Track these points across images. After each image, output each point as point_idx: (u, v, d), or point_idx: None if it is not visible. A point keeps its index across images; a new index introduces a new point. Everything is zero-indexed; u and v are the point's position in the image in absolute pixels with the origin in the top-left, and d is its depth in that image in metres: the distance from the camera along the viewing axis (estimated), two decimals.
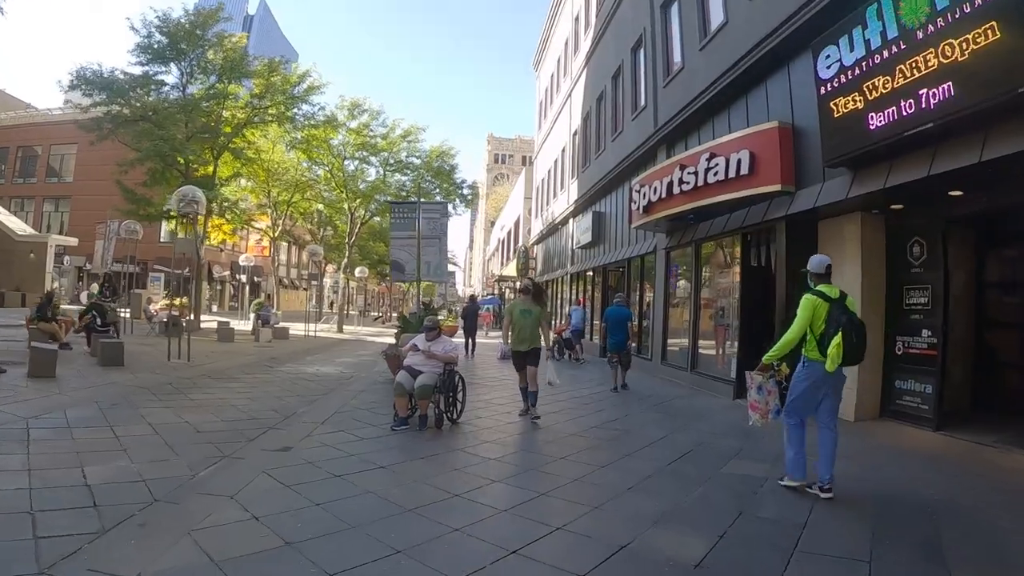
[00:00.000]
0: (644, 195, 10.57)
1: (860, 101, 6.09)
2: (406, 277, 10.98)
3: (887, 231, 7.36)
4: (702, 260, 10.79)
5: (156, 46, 17.23)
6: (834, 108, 6.45)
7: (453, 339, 11.01)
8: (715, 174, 8.52)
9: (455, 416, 6.65)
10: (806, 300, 4.25)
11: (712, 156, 8.62)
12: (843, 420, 7.10)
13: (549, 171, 27.27)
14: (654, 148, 12.48)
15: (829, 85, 6.52)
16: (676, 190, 9.40)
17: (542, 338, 7.07)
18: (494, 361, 14.58)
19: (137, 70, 17.26)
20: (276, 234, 26.83)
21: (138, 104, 17.04)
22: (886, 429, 6.75)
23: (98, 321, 11.37)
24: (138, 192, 18.50)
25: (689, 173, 9.07)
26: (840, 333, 4.02)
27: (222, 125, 18.99)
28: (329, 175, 24.37)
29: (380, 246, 39.32)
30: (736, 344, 9.01)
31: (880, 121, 5.85)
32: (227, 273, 36.02)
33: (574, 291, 21.10)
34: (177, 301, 26.51)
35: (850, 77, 6.20)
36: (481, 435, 6.15)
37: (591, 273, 18.96)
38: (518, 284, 37.01)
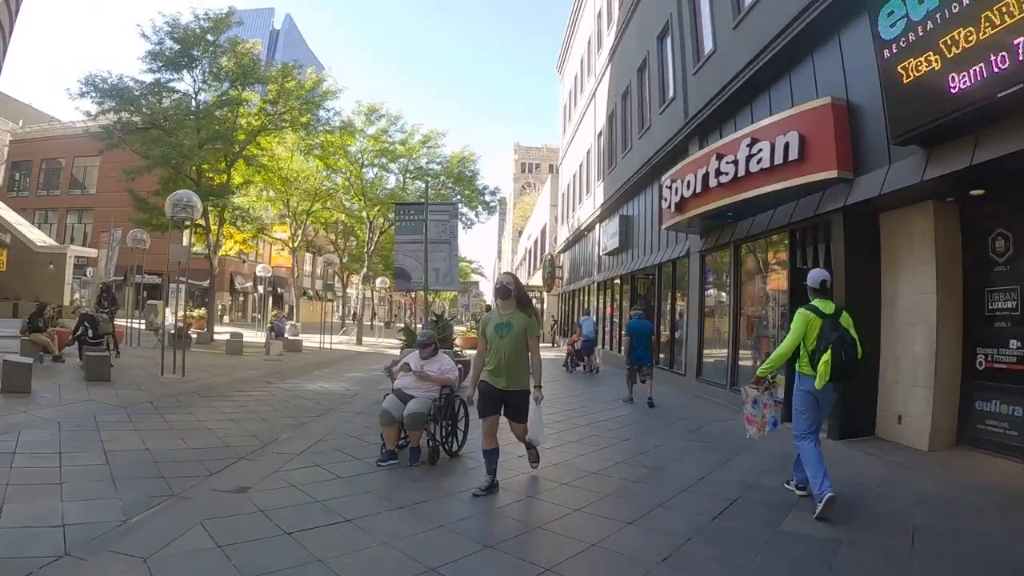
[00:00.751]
0: (676, 191, 9.47)
1: (936, 61, 4.95)
2: (412, 286, 10.00)
3: (963, 223, 6.14)
4: (742, 263, 9.63)
5: (168, 53, 16.90)
6: (902, 73, 5.31)
7: (466, 352, 10.07)
8: (758, 162, 7.40)
9: (455, 448, 5.66)
10: (799, 315, 4.26)
11: (754, 142, 7.50)
12: (915, 450, 5.96)
13: (574, 175, 26.28)
14: (685, 142, 11.38)
15: (894, 47, 5.39)
16: (712, 183, 8.30)
17: (531, 371, 4.61)
18: None
19: (148, 77, 16.96)
20: (296, 244, 26.43)
21: (148, 111, 16.69)
22: (965, 460, 5.51)
23: (89, 333, 10.80)
24: (150, 201, 18.14)
25: (727, 163, 7.97)
26: (829, 350, 3.97)
27: (236, 132, 18.56)
28: (347, 183, 23.79)
29: None
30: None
31: (964, 83, 4.70)
32: (249, 284, 35.94)
33: (601, 301, 19.98)
34: (195, 313, 26.38)
35: (921, 33, 5.07)
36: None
37: (618, 281, 17.85)
38: (544, 294, 36.21)
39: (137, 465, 4.97)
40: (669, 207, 9.76)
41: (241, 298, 35.34)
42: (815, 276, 4.38)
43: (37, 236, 27.25)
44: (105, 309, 12.78)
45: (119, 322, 13.89)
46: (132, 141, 16.59)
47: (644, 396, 9.33)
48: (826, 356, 3.96)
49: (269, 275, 24.19)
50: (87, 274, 33.22)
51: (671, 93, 12.68)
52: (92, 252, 28.68)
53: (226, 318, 33.80)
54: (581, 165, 24.54)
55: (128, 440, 5.82)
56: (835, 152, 6.52)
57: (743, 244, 9.52)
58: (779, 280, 8.57)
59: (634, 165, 15.23)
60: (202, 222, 17.78)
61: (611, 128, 19.11)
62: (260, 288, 27.55)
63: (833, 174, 6.55)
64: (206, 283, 37.84)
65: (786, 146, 6.94)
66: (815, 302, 4.27)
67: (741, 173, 7.70)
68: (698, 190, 8.64)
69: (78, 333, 10.90)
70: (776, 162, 7.12)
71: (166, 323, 16.94)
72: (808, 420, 4.21)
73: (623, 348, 12.34)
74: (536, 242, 42.87)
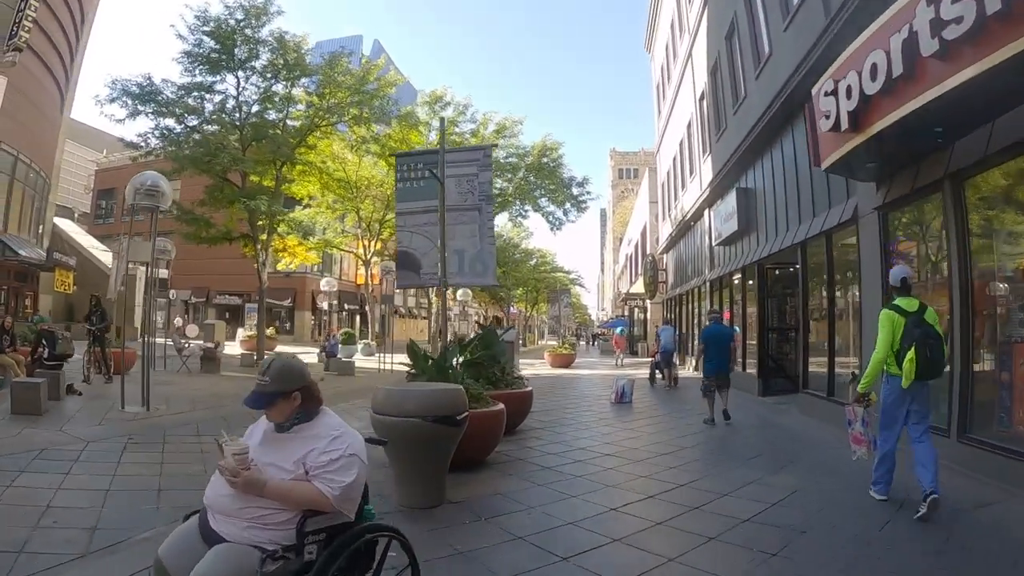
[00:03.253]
0: (847, 94, 5.48)
1: None
2: (423, 280, 6.85)
3: None
4: (968, 211, 5.49)
5: (208, 54, 15.41)
6: None
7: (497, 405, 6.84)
8: None
9: None
10: (883, 315, 4.28)
11: None
12: None
13: (674, 158, 22.17)
14: (834, 43, 7.28)
15: None
16: (928, 48, 4.33)
17: None
18: (603, 407, 10.07)
19: (186, 79, 15.59)
20: (369, 256, 24.53)
21: (182, 112, 15.24)
22: None
23: (46, 353, 8.82)
24: (197, 212, 16.80)
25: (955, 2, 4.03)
26: (914, 348, 4.00)
27: (286, 133, 16.82)
28: None
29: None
30: None
31: None
32: (335, 302, 34.96)
33: (713, 304, 15.76)
34: (249, 333, 25.30)
35: None
36: None
37: (738, 277, 13.64)
38: (647, 302, 31.80)
39: None
40: (835, 125, 5.71)
41: (326, 316, 34.37)
42: (896, 274, 4.45)
43: (110, 259, 27.90)
44: (94, 326, 10.93)
45: (131, 343, 12.01)
46: (171, 151, 15.28)
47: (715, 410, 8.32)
48: (910, 354, 3.99)
49: (334, 289, 22.37)
50: (171, 296, 34.16)
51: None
52: (163, 273, 29.47)
53: (304, 338, 33.05)
54: (681, 143, 20.45)
55: None
56: None
57: (972, 178, 5.41)
58: None
59: (752, 114, 11.21)
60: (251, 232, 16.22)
61: (715, 83, 15.10)
62: (325, 303, 25.89)
63: None
64: (287, 302, 37.95)
65: None
66: (898, 301, 4.30)
67: (990, 14, 3.74)
68: (897, 73, 4.67)
69: (36, 354, 8.98)
70: None
71: (188, 344, 15.42)
72: (891, 421, 4.28)
73: (696, 357, 10.97)
74: (636, 246, 38.60)
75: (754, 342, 12.47)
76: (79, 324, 25.64)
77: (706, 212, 16.66)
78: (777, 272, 11.96)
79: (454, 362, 5.63)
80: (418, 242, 6.68)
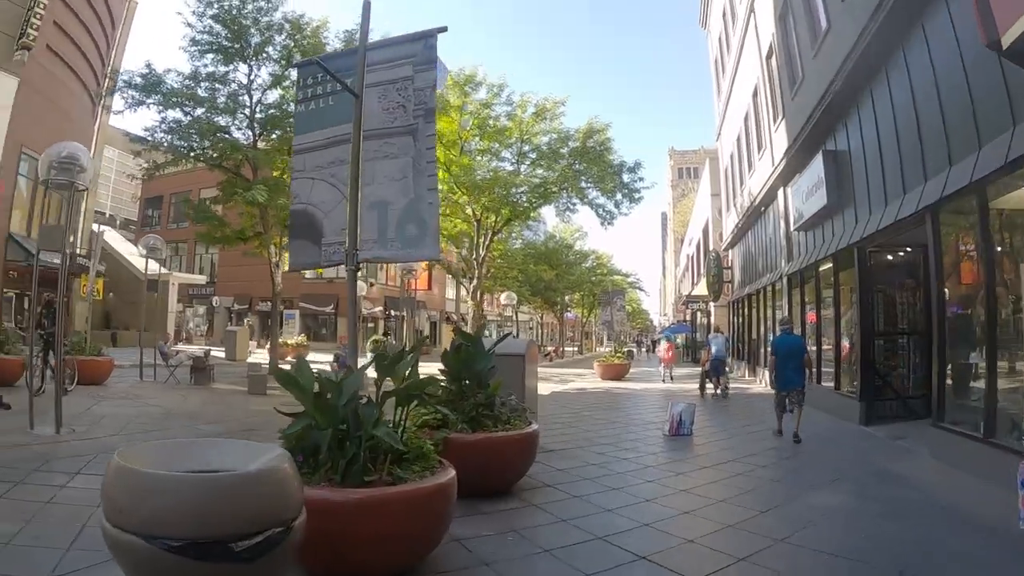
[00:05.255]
0: None
1: None
2: (324, 256, 4.54)
3: None
4: None
5: (218, 41, 14.27)
6: None
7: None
8: None
9: None
10: None
11: None
12: None
13: (738, 137, 19.15)
14: None
15: None
16: None
17: None
18: (653, 441, 7.59)
19: (194, 67, 14.58)
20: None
21: (189, 102, 14.07)
22: None
23: None
24: (211, 210, 15.74)
25: None
26: None
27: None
28: (446, 172, 19.14)
29: (544, 267, 33.62)
30: None
31: None
32: (378, 309, 33.56)
33: (791, 303, 12.79)
34: (302, 339, 24.08)
35: None
36: None
37: (827, 268, 10.70)
38: (710, 305, 28.43)
39: None
40: None
41: (370, 324, 32.94)
42: None
43: (144, 265, 27.71)
44: (44, 331, 9.48)
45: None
46: (180, 146, 14.32)
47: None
48: None
49: (362, 294, 20.77)
50: (214, 303, 33.97)
51: None
52: (199, 279, 30.40)
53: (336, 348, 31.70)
54: (746, 116, 17.47)
55: None
56: None
57: None
58: None
59: (844, 40, 8.42)
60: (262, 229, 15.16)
61: (784, 30, 12.33)
62: (366, 310, 24.22)
63: None
64: (330, 308, 36.93)
65: None
66: None
67: None
68: None
69: None
70: None
71: (176, 352, 14.20)
72: None
73: (768, 369, 9.82)
74: (698, 245, 35.21)
75: (844, 350, 9.58)
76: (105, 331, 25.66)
77: (780, 192, 13.72)
78: (888, 257, 9.05)
79: (361, 394, 3.32)
80: (321, 194, 4.36)
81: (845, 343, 9.93)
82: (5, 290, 19.87)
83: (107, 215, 38.03)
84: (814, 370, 9.62)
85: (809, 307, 11.80)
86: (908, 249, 8.91)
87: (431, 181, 4.07)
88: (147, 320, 24.28)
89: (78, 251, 23.36)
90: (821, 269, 10.95)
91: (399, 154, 4.03)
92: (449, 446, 4.17)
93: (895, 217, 7.41)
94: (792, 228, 12.53)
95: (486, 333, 8.45)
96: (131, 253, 27.50)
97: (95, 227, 24.51)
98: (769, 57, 14.09)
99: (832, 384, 10.16)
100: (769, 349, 10.01)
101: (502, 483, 4.90)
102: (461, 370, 5.08)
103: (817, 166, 10.28)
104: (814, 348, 11.10)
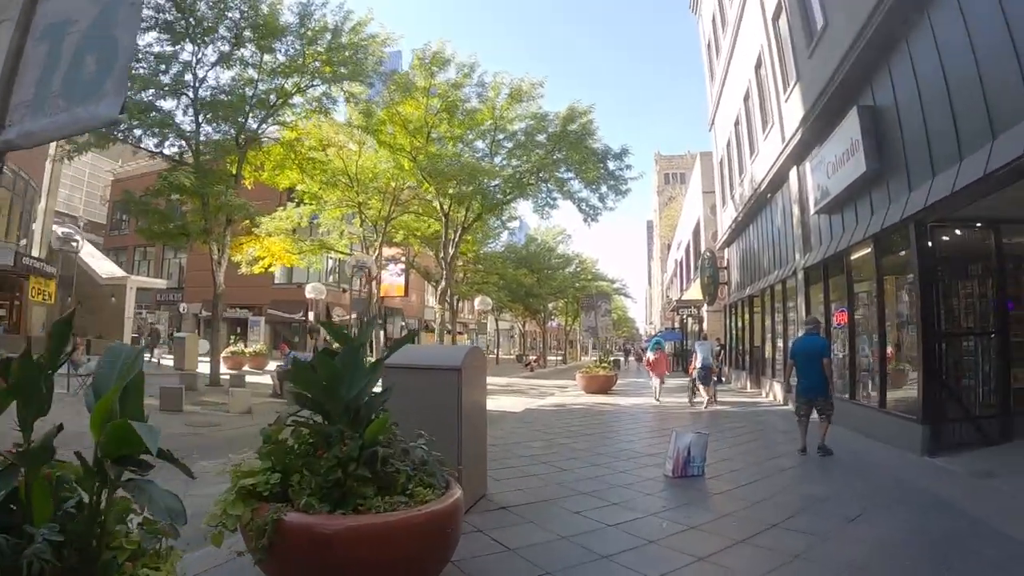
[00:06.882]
0: None
1: None
2: None
3: None
4: None
5: (162, 16, 12.73)
6: None
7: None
8: None
9: None
10: None
11: None
12: None
13: (736, 120, 17.18)
14: None
15: None
16: None
17: None
18: (652, 489, 5.36)
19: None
20: (376, 258, 20.55)
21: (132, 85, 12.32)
22: None
23: None
24: (150, 204, 13.89)
25: None
26: None
27: (244, 105, 13.82)
28: (412, 163, 16.93)
29: (524, 272, 31.72)
30: None
31: None
32: (351, 316, 31.19)
33: (804, 304, 10.72)
34: (239, 348, 21.71)
35: None
36: None
37: (860, 254, 8.62)
38: (703, 310, 26.42)
39: None
40: None
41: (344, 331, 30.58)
42: None
43: (105, 268, 25.06)
44: None
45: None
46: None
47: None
48: None
49: (322, 297, 18.88)
50: (182, 309, 31.43)
51: None
52: (159, 283, 28.56)
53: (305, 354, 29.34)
54: (747, 95, 15.50)
55: None
56: None
57: None
58: None
59: None
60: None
61: None
62: (309, 314, 22.02)
63: None
64: (299, 315, 34.47)
65: None
66: None
67: None
68: None
69: None
70: None
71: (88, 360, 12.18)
72: None
73: (785, 376, 9.28)
74: (688, 248, 33.25)
75: (890, 356, 7.50)
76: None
77: (792, 172, 11.69)
78: (957, 233, 7.00)
79: None
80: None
81: (889, 348, 7.84)
82: None
83: (78, 217, 35.34)
84: (835, 380, 7.55)
85: (836, 305, 9.72)
86: (978, 225, 6.86)
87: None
88: (102, 326, 21.86)
89: (35, 253, 20.94)
90: (854, 257, 8.87)
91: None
92: (287, 538, 2.07)
93: (970, 179, 5.35)
94: (812, 211, 10.48)
95: (402, 331, 6.22)
96: (91, 254, 25.08)
97: (56, 229, 21.98)
98: (776, 17, 12.12)
99: (875, 401, 8.04)
100: (789, 353, 7.96)
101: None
102: (322, 397, 2.86)
103: (850, 127, 8.22)
104: (845, 354, 9.00)
